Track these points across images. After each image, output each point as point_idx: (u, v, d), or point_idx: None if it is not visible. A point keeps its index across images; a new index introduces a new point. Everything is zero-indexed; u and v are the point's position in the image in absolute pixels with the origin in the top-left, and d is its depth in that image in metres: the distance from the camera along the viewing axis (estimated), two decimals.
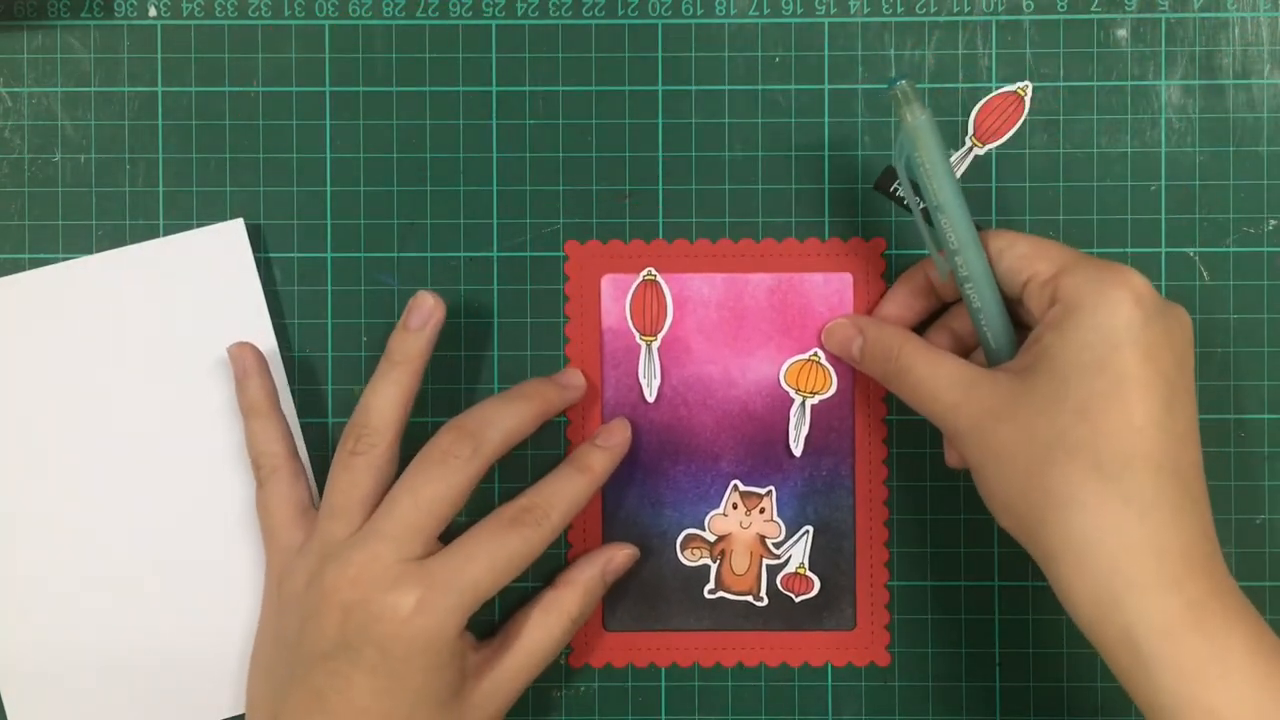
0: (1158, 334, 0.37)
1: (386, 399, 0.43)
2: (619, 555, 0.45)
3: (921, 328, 0.45)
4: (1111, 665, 0.36)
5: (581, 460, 0.44)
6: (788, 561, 0.46)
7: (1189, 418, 0.37)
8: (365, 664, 0.39)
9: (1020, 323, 0.41)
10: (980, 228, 0.41)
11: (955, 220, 0.41)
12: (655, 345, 0.46)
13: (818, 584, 0.46)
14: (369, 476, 0.42)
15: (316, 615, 0.40)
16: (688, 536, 0.46)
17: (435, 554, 0.41)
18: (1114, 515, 0.36)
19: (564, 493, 0.43)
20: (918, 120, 0.40)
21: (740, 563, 0.46)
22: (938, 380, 0.40)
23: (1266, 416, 0.46)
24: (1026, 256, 0.40)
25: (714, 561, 0.46)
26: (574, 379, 0.45)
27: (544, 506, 0.42)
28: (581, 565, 0.45)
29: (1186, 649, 0.35)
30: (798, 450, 0.46)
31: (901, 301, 0.45)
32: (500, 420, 0.42)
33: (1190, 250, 0.46)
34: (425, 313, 0.43)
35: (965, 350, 0.44)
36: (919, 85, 0.46)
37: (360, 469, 0.42)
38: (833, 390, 0.46)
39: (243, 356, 0.45)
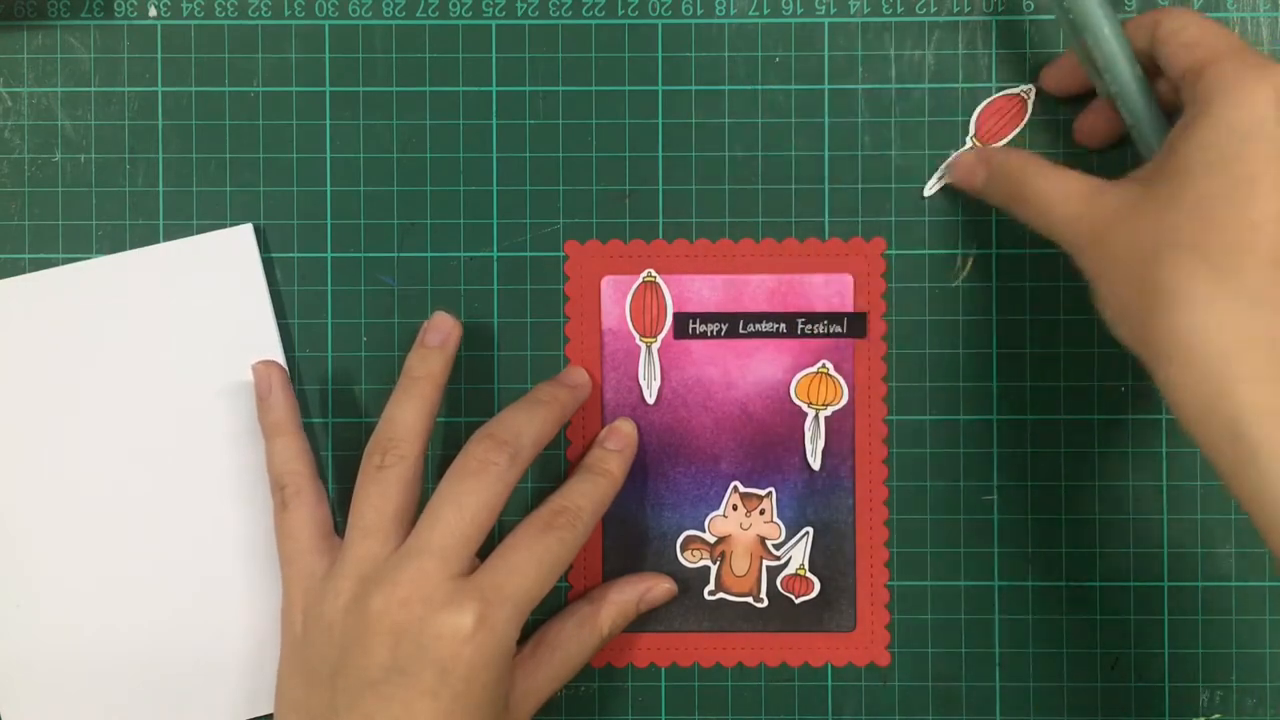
0: None
1: (412, 412, 0.42)
2: (659, 588, 0.45)
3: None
4: (1215, 462, 0.35)
5: (598, 465, 0.44)
6: (788, 563, 0.46)
7: None
8: (424, 687, 0.38)
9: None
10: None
11: (1098, 38, 0.41)
12: (655, 347, 0.46)
13: (818, 585, 0.46)
14: (400, 491, 0.42)
15: (361, 641, 0.39)
16: (688, 538, 0.46)
17: (479, 568, 0.41)
18: (1224, 309, 0.35)
19: (589, 494, 0.43)
20: None
21: (740, 564, 0.46)
22: (1058, 194, 0.40)
23: None
24: (1186, 43, 0.39)
25: (714, 563, 0.46)
26: (578, 377, 0.45)
27: (574, 509, 0.42)
28: (621, 586, 0.45)
29: None
30: (816, 464, 0.46)
31: (1064, 75, 0.45)
32: (529, 427, 0.42)
33: None
34: (444, 331, 0.43)
35: None
36: (919, 86, 0.46)
37: (390, 483, 0.41)
38: (844, 401, 0.46)
39: (268, 374, 0.44)
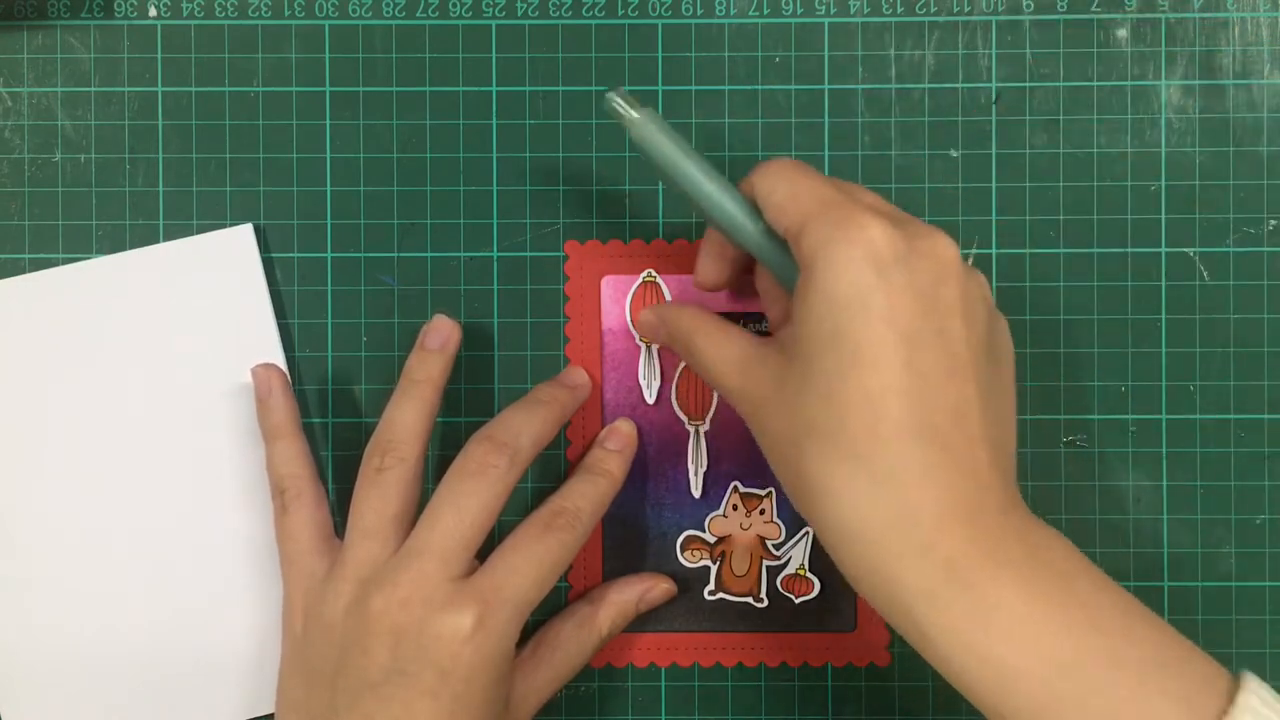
0: (895, 290, 0.34)
1: (411, 414, 0.42)
2: (658, 588, 0.45)
3: None
4: (902, 634, 0.35)
5: (598, 465, 0.44)
6: (788, 563, 0.46)
7: (949, 364, 0.35)
8: (424, 688, 0.39)
9: None
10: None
11: (708, 206, 0.39)
12: (655, 347, 0.46)
13: (818, 585, 0.46)
14: (399, 493, 0.42)
15: (362, 642, 0.39)
16: (688, 538, 0.46)
17: (478, 570, 0.41)
18: (862, 493, 0.34)
19: (589, 495, 0.43)
20: (639, 133, 0.39)
21: (740, 564, 0.46)
22: (721, 364, 0.39)
23: (1266, 416, 0.46)
24: (779, 205, 0.37)
25: (714, 563, 0.46)
26: (578, 378, 0.45)
27: (573, 510, 0.42)
28: (620, 586, 0.45)
29: (953, 607, 0.33)
30: None
31: (711, 260, 0.42)
32: (528, 429, 0.42)
33: (1190, 250, 0.46)
34: (444, 334, 0.43)
35: None
36: (919, 86, 0.46)
37: (390, 485, 0.42)
38: None
39: (268, 377, 0.44)
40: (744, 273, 0.42)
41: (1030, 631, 0.33)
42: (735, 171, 0.46)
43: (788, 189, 0.37)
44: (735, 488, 0.46)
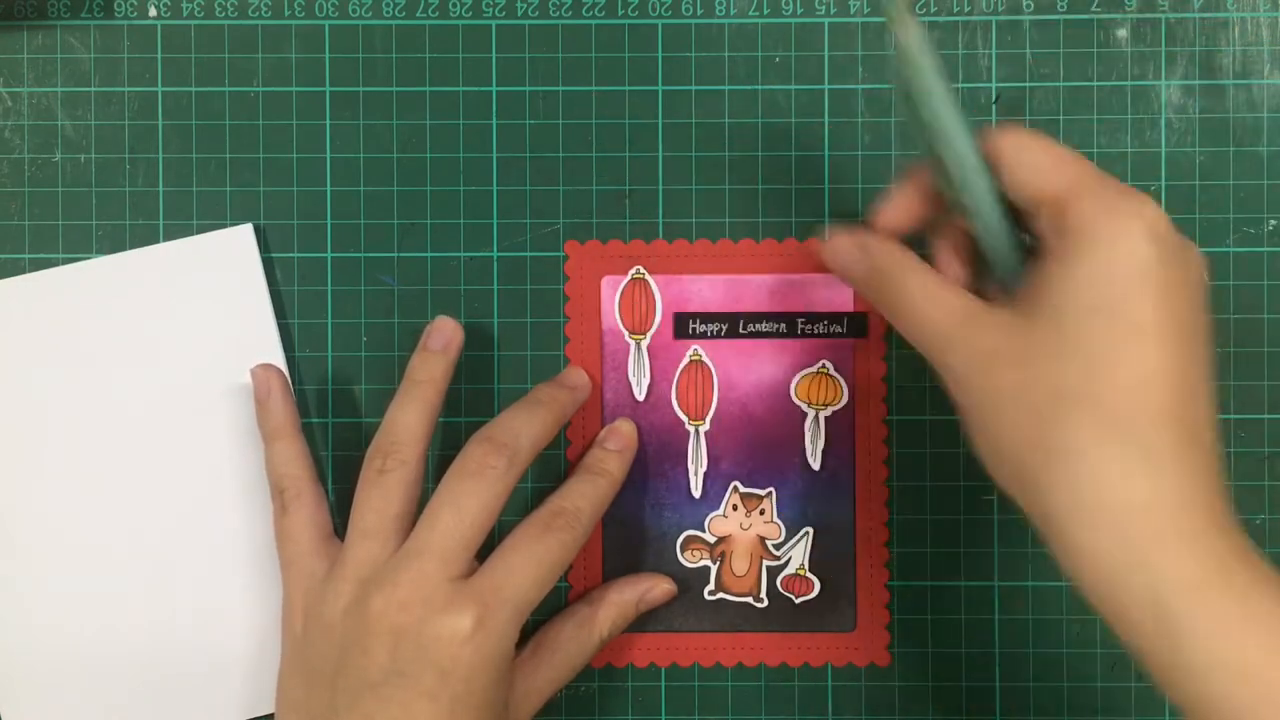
0: (1173, 275, 0.34)
1: (413, 415, 0.42)
2: (658, 588, 0.45)
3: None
4: (1127, 631, 0.33)
5: (597, 465, 0.44)
6: (788, 563, 0.46)
7: (1202, 367, 0.35)
8: (423, 689, 0.39)
9: (1036, 236, 0.38)
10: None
11: (954, 150, 0.37)
12: (644, 344, 0.46)
13: (818, 585, 0.46)
14: (401, 494, 0.42)
15: (361, 643, 0.39)
16: (688, 538, 0.46)
17: (478, 570, 0.41)
18: (1129, 471, 0.33)
19: (589, 495, 0.43)
20: (905, 40, 0.36)
21: (740, 564, 0.46)
22: (932, 311, 0.37)
23: (1266, 416, 0.46)
24: (1038, 170, 0.36)
25: (714, 563, 0.46)
26: (578, 378, 0.45)
27: (573, 510, 0.42)
28: (620, 587, 0.45)
29: (1217, 605, 0.32)
30: (816, 465, 0.46)
31: (904, 206, 0.40)
32: (528, 429, 0.42)
33: None
34: (446, 335, 0.43)
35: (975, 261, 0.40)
36: None
37: (392, 486, 0.42)
38: (844, 401, 0.46)
39: (267, 378, 0.44)
40: (922, 227, 0.40)
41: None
42: (735, 171, 0.46)
43: (1048, 155, 0.36)
44: (735, 488, 0.46)
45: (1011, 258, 0.38)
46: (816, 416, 0.46)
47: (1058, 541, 0.34)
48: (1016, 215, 0.37)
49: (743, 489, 0.46)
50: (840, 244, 0.40)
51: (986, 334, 0.36)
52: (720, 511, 0.46)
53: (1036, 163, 0.36)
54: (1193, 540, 0.33)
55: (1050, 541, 0.35)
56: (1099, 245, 0.34)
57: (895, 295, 0.38)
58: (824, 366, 0.46)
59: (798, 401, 0.46)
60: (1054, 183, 0.36)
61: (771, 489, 0.46)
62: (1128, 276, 0.34)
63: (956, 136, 0.37)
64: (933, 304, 0.37)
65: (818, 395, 0.46)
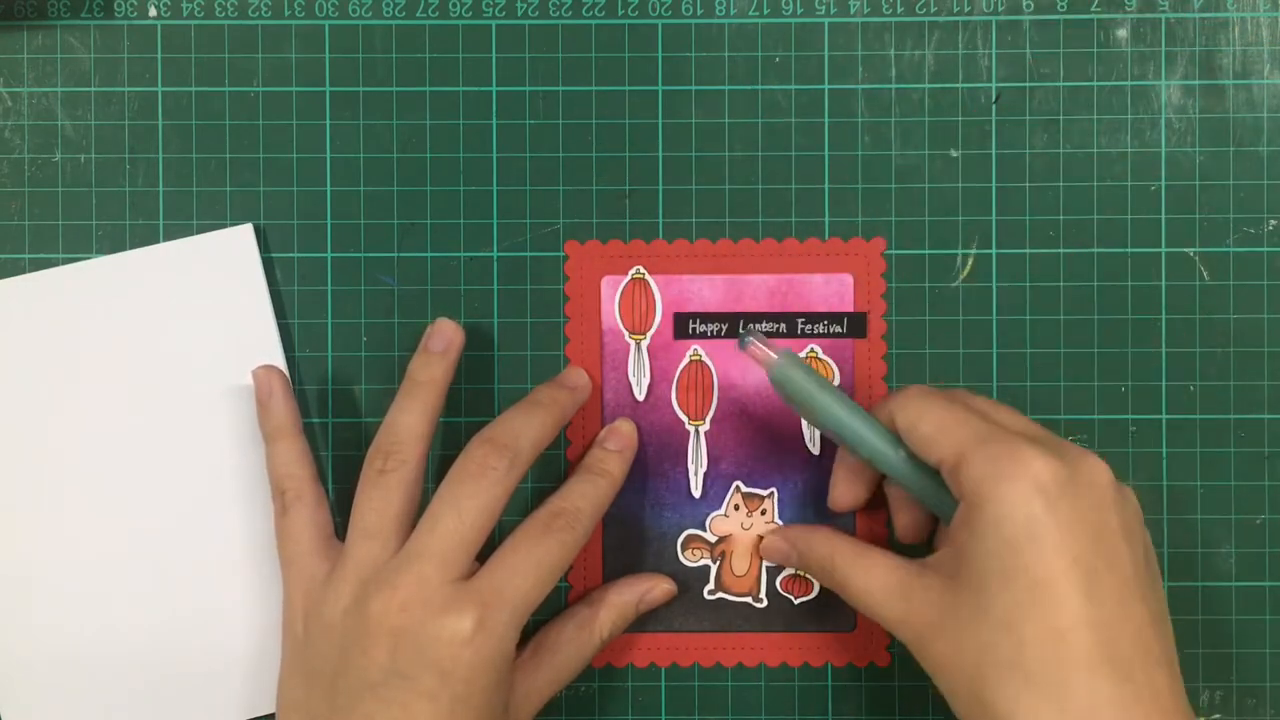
0: (1064, 520, 0.36)
1: (414, 416, 0.42)
2: (658, 589, 0.45)
3: None
4: None
5: (597, 465, 0.44)
6: None
7: (1123, 593, 0.36)
8: (423, 690, 0.39)
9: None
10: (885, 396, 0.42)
11: (851, 439, 0.41)
12: (644, 344, 0.46)
13: (817, 586, 0.46)
14: (401, 495, 0.42)
15: (361, 644, 0.39)
16: (688, 537, 0.46)
17: (478, 572, 0.41)
18: None
19: (589, 495, 0.43)
20: (770, 368, 0.41)
21: (741, 564, 0.46)
22: (878, 593, 0.39)
23: (1266, 416, 0.46)
24: (928, 438, 0.39)
25: (714, 562, 0.46)
26: (578, 379, 0.45)
27: (573, 510, 0.42)
28: (620, 588, 0.45)
29: None
30: (815, 449, 0.46)
31: (846, 484, 0.44)
32: (528, 431, 0.42)
33: (1190, 250, 0.46)
34: (447, 337, 0.43)
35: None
36: (919, 86, 0.46)
37: (392, 487, 0.42)
38: (835, 383, 0.46)
39: (268, 379, 0.44)
40: (874, 492, 0.44)
41: None
42: (735, 171, 0.46)
43: (933, 421, 0.38)
44: (737, 488, 0.46)
45: (949, 508, 0.39)
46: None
47: None
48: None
49: (745, 489, 0.46)
50: (771, 544, 0.45)
51: (916, 610, 0.38)
52: (722, 511, 0.46)
53: (925, 430, 0.39)
54: None
55: None
56: (988, 509, 0.36)
57: (833, 581, 0.41)
58: (812, 350, 0.46)
59: None
60: (945, 449, 0.38)
61: (773, 489, 0.46)
62: (1019, 536, 0.36)
63: (848, 427, 0.40)
64: (874, 587, 0.40)
65: None
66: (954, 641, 0.37)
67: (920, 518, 0.43)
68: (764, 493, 0.46)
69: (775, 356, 0.41)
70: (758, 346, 0.41)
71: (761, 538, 0.46)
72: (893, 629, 0.39)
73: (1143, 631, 0.36)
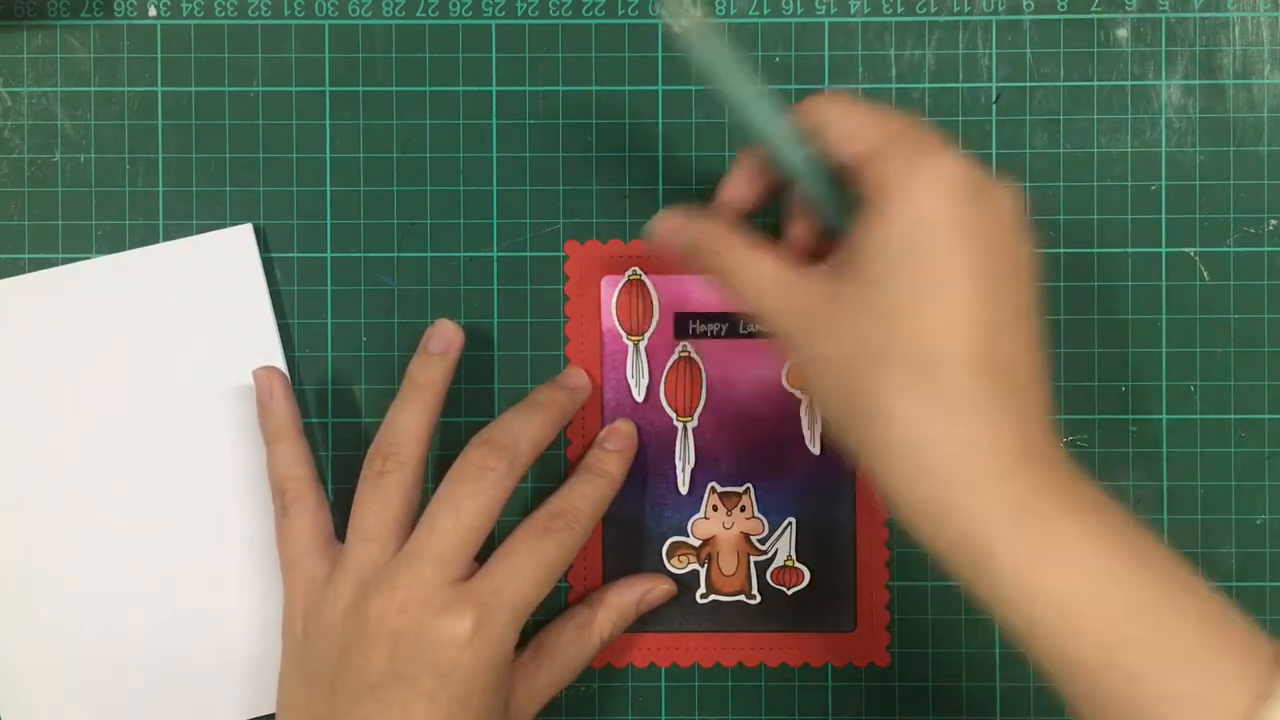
0: (972, 220, 0.34)
1: (413, 417, 0.42)
2: (658, 589, 0.45)
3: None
4: (954, 573, 0.34)
5: (597, 466, 0.44)
6: (775, 555, 0.46)
7: (1015, 306, 0.35)
8: (422, 692, 0.39)
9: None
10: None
11: (757, 119, 0.37)
12: (643, 345, 0.46)
13: (807, 574, 0.46)
14: (400, 496, 0.42)
15: (360, 645, 0.39)
16: (673, 544, 0.46)
17: (477, 573, 0.41)
18: (933, 420, 0.33)
19: (588, 495, 0.43)
20: (685, 29, 0.37)
21: (728, 563, 0.46)
22: (762, 284, 0.37)
23: (1266, 416, 0.46)
24: (848, 134, 0.36)
25: (702, 566, 0.46)
26: (578, 379, 0.45)
27: (572, 511, 0.42)
28: (619, 589, 0.45)
29: (1026, 543, 0.33)
30: (816, 449, 0.46)
31: (742, 176, 0.40)
32: (527, 432, 0.42)
33: (1190, 250, 0.46)
34: (447, 338, 0.43)
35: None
36: (919, 86, 0.46)
37: (391, 488, 0.42)
38: None
39: (269, 380, 0.44)
40: (769, 198, 0.41)
41: (1102, 574, 0.33)
42: None
43: (854, 119, 0.36)
44: (713, 488, 0.46)
45: (844, 221, 0.37)
46: (810, 402, 0.46)
47: (886, 498, 0.35)
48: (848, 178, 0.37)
49: (720, 488, 0.46)
50: (660, 224, 0.40)
51: (800, 300, 0.36)
52: (701, 514, 0.46)
53: (846, 127, 0.36)
54: (1001, 480, 0.33)
55: (882, 495, 0.35)
56: (896, 200, 0.34)
57: (715, 269, 0.38)
58: None
59: (791, 389, 0.46)
60: (863, 144, 0.35)
61: (748, 484, 0.46)
62: (926, 227, 0.34)
63: (758, 112, 0.37)
64: (754, 277, 0.37)
65: None
66: (834, 333, 0.35)
67: (812, 231, 0.40)
68: (739, 490, 0.46)
69: (698, 13, 0.37)
70: (677, 2, 0.37)
71: (745, 535, 0.46)
72: (774, 320, 0.37)
73: (1030, 354, 0.35)
